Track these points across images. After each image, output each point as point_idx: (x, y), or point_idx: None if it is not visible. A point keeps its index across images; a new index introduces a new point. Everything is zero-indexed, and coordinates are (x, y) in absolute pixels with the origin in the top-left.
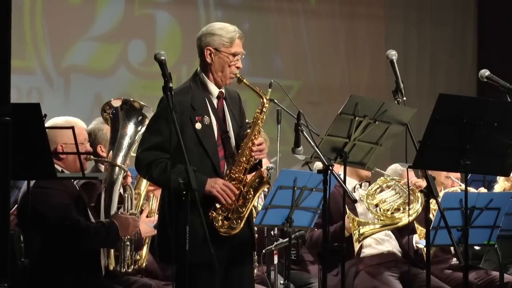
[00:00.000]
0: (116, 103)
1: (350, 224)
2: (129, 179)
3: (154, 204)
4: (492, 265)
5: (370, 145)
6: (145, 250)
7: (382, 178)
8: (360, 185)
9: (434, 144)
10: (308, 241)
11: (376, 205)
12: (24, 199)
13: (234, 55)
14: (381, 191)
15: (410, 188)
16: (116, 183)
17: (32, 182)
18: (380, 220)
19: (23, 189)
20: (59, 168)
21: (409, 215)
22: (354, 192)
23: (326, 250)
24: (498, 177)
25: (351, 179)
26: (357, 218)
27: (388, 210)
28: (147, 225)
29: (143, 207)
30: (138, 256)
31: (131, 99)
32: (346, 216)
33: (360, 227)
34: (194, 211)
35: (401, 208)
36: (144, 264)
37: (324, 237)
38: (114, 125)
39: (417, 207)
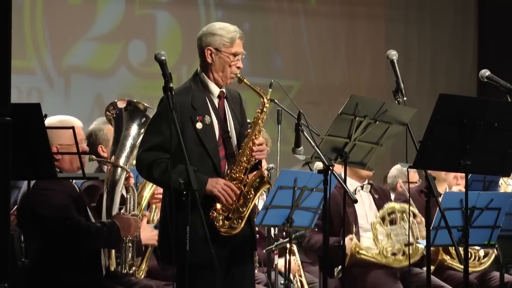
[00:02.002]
0: (121, 104)
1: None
2: (132, 180)
3: (156, 216)
4: (492, 265)
5: (370, 145)
6: (144, 262)
7: (399, 205)
8: (362, 187)
9: (435, 144)
10: (305, 242)
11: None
12: (24, 200)
13: (234, 55)
14: (392, 223)
15: (411, 242)
16: (118, 183)
17: (32, 183)
18: (380, 253)
19: (23, 189)
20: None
21: (409, 261)
22: (355, 194)
23: (326, 252)
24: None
25: (352, 180)
26: (358, 243)
27: (389, 248)
28: (148, 232)
29: (143, 216)
30: (135, 268)
31: (135, 101)
32: (348, 237)
33: (360, 250)
34: (195, 211)
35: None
36: (142, 276)
37: (324, 237)
38: (117, 126)
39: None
